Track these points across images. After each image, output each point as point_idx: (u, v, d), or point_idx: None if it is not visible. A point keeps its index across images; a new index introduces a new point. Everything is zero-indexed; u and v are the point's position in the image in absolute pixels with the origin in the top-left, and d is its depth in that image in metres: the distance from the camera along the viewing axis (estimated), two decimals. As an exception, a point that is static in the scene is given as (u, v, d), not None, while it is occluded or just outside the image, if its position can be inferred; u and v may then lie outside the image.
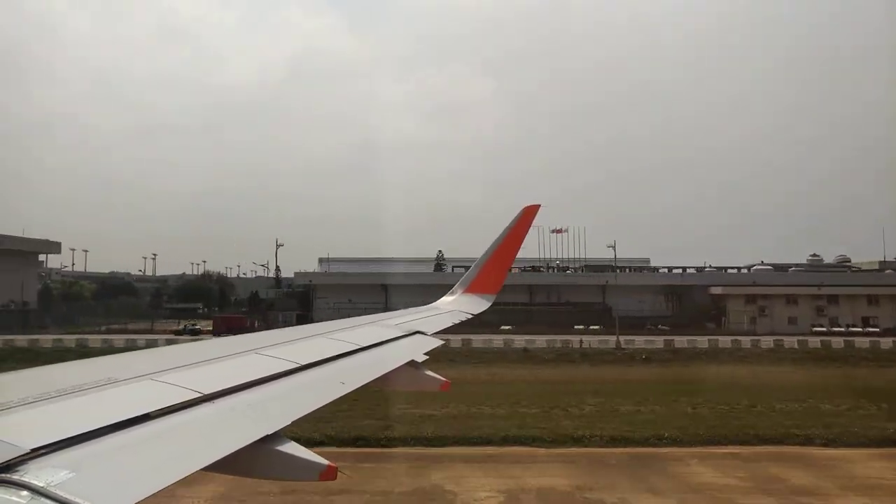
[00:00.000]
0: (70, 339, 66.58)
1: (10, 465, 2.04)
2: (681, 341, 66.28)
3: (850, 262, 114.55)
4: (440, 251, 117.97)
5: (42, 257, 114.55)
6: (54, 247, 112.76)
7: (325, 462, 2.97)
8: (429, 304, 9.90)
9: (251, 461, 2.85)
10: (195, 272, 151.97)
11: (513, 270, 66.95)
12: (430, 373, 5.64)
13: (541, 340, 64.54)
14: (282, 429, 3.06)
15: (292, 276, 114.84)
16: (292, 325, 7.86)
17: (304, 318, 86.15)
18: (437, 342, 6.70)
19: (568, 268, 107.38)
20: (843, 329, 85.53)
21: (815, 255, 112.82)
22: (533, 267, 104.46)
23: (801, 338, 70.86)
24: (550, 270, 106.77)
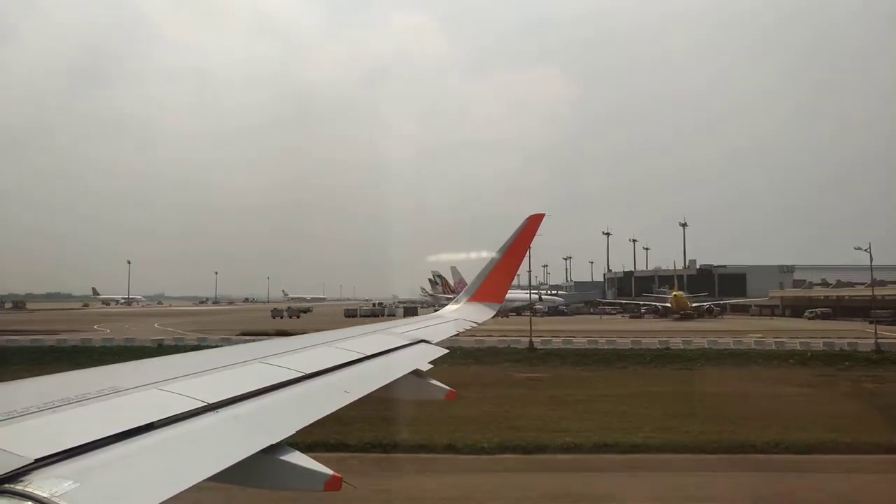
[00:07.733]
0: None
1: (14, 476, 2.02)
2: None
3: None
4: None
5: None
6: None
7: (330, 472, 2.95)
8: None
9: (255, 471, 2.84)
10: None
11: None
12: (434, 382, 5.61)
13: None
14: (285, 438, 3.04)
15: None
16: None
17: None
18: (441, 351, 6.67)
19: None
20: None
21: None
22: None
23: None
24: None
